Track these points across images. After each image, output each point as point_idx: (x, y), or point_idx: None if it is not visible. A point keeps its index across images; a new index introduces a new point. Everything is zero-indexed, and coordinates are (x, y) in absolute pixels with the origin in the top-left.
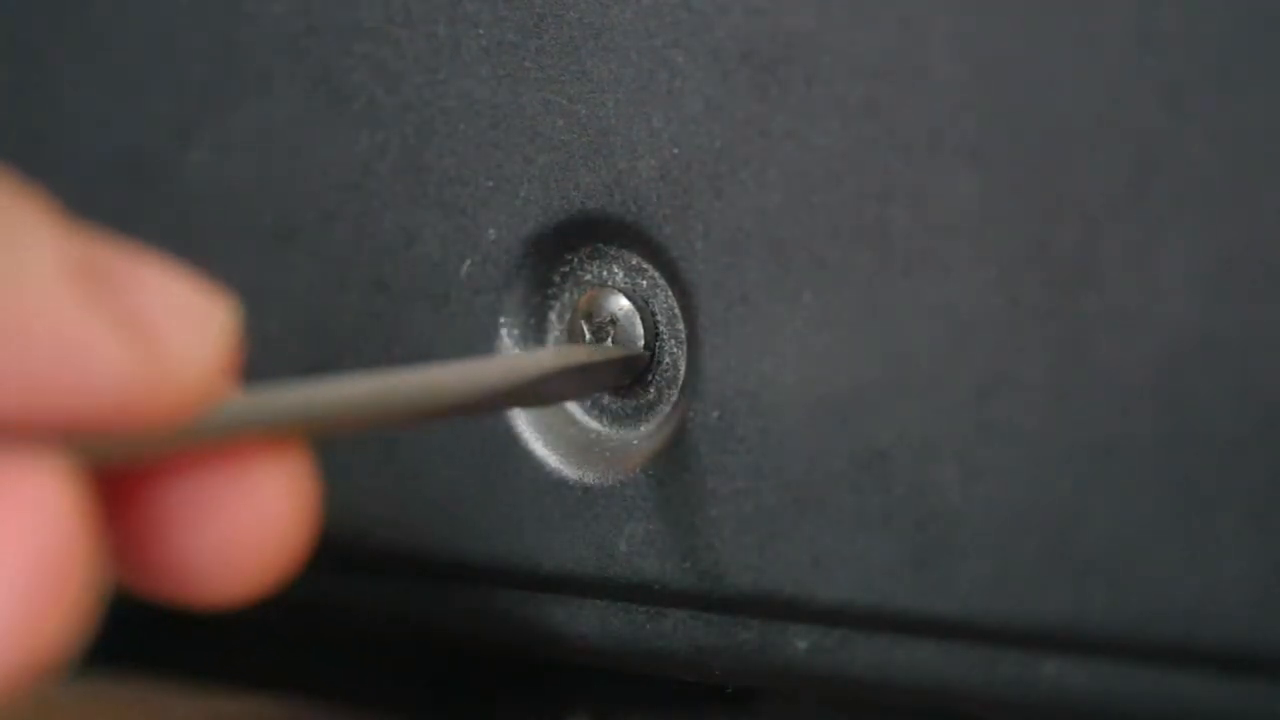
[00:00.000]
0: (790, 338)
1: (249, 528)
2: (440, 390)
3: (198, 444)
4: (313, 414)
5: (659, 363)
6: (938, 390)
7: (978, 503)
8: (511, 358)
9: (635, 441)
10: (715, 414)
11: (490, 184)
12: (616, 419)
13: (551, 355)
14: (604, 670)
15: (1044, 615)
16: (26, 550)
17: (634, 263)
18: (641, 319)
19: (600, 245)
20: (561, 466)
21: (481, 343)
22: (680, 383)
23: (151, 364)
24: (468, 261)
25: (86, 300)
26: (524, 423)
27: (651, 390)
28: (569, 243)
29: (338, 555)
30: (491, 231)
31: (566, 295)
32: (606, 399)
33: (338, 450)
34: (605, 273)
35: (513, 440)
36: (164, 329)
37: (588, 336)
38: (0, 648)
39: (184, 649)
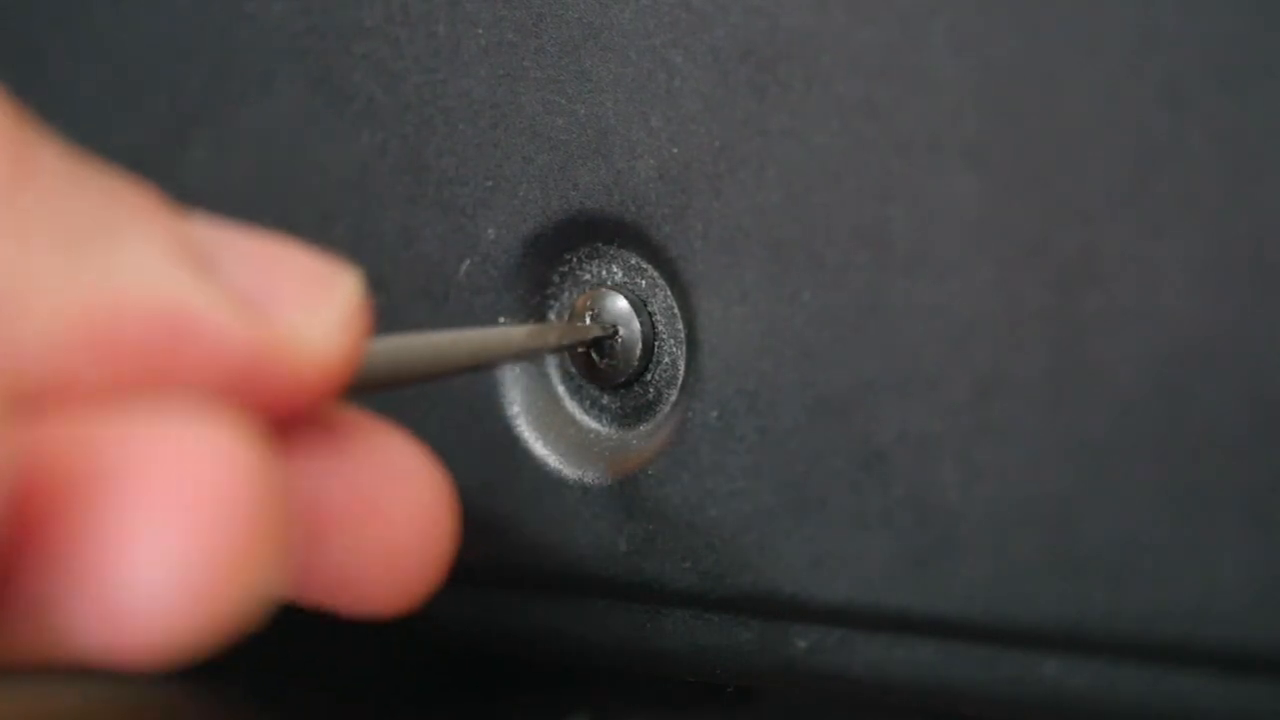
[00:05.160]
0: (789, 337)
1: (397, 528)
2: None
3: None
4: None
5: (658, 362)
6: (937, 390)
7: (977, 502)
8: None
9: (635, 441)
10: (714, 414)
11: (489, 184)
12: (616, 419)
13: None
14: (604, 670)
15: (1044, 615)
16: (211, 491)
17: (633, 262)
18: (640, 318)
19: (599, 245)
20: (561, 466)
21: None
22: (679, 382)
23: (266, 329)
24: (467, 261)
25: (194, 276)
26: (524, 423)
27: (650, 390)
28: (568, 242)
29: None
30: (491, 231)
31: (566, 295)
32: (606, 399)
33: None
34: (604, 272)
35: (513, 440)
36: (276, 298)
37: None
38: (192, 592)
39: None
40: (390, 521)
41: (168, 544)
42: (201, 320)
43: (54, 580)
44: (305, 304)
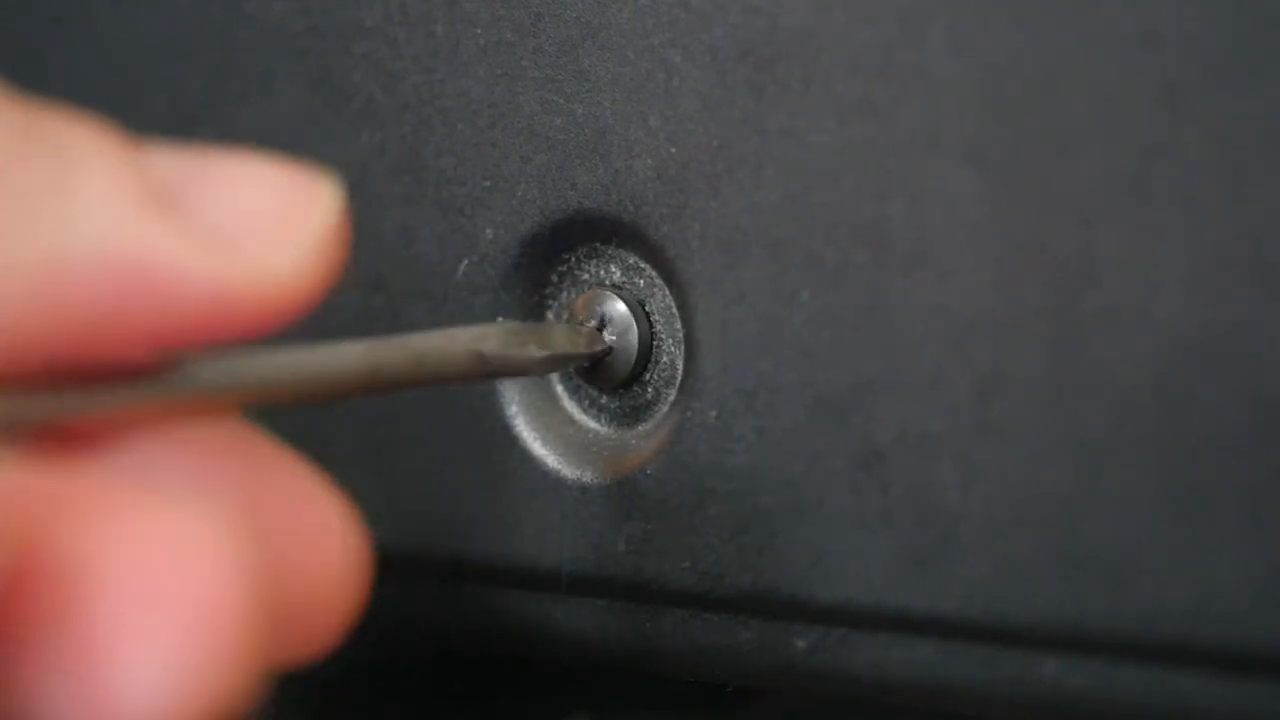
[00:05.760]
0: (788, 337)
1: (310, 583)
2: (391, 359)
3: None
4: (260, 381)
5: (656, 362)
6: (936, 389)
7: (977, 502)
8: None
9: (633, 441)
10: (713, 413)
11: (488, 183)
12: (614, 419)
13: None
14: (604, 670)
15: (1044, 615)
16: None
17: (631, 262)
18: (638, 318)
19: (597, 244)
20: (560, 466)
21: None
22: (678, 382)
23: (234, 264)
24: (465, 261)
25: (155, 216)
26: (522, 422)
27: (649, 390)
28: (566, 242)
29: None
30: (489, 231)
31: (564, 295)
32: (604, 398)
33: (337, 449)
34: (602, 272)
35: (511, 440)
36: (244, 225)
37: None
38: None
39: None
40: (303, 576)
41: (164, 646)
42: (164, 262)
43: (37, 666)
44: (275, 228)
